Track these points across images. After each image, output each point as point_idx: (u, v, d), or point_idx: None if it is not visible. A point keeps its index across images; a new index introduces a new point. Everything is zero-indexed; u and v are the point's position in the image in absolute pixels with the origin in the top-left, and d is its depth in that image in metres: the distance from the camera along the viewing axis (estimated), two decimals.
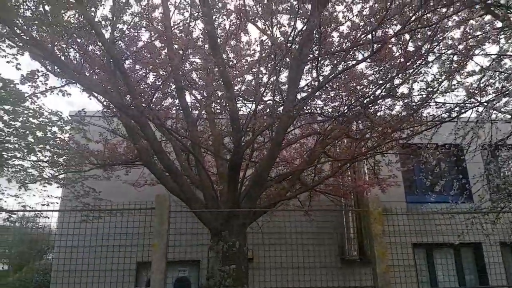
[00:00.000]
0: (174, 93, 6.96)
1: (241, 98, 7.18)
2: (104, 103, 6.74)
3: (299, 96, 6.93)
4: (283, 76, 7.31)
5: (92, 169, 7.44)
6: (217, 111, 7.20)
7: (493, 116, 7.97)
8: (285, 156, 7.72)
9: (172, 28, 6.73)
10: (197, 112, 7.30)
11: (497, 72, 7.57)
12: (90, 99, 6.48)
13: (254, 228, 7.65)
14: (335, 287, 8.28)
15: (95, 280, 7.44)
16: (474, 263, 9.90)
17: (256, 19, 6.55)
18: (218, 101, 6.87)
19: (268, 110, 6.95)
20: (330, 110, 7.44)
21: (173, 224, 6.23)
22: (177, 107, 7.19)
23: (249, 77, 7.19)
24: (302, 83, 7.09)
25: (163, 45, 6.77)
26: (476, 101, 7.75)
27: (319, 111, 7.41)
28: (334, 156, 7.47)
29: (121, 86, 6.37)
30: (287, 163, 7.65)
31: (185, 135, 7.10)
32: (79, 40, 6.17)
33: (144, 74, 6.90)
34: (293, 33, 6.28)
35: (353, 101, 7.20)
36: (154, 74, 6.77)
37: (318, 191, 8.07)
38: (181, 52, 6.49)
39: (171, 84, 6.89)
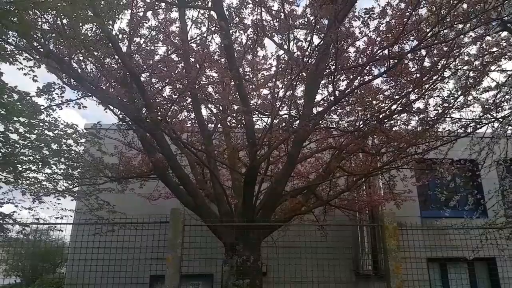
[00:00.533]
0: (190, 106, 6.77)
1: (257, 112, 6.97)
2: (120, 116, 6.55)
3: (315, 111, 6.73)
4: (299, 90, 7.13)
5: (107, 182, 7.24)
6: (233, 124, 6.99)
7: (509, 131, 7.75)
8: (301, 171, 7.48)
9: (189, 42, 6.57)
10: (212, 125, 7.09)
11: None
12: (106, 112, 6.32)
13: (268, 242, 7.40)
14: None
15: None
16: (488, 278, 9.58)
17: (273, 33, 6.38)
18: (234, 114, 6.66)
19: (284, 124, 6.74)
20: (345, 124, 7.22)
21: (187, 237, 6.03)
22: (193, 121, 6.99)
23: (265, 91, 7.00)
24: (318, 97, 6.91)
25: (179, 58, 6.61)
26: (491, 117, 7.54)
27: (335, 126, 7.18)
28: (349, 171, 7.23)
29: (137, 99, 6.19)
30: (303, 177, 7.41)
31: (200, 149, 6.89)
32: (96, 53, 5.99)
33: (160, 87, 6.71)
34: (309, 48, 6.10)
35: (368, 116, 6.99)
36: (171, 87, 6.60)
37: (333, 205, 7.83)
38: (197, 65, 6.31)
39: (187, 97, 6.70)
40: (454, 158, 7.94)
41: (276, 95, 6.65)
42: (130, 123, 6.51)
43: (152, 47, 6.47)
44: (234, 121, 6.89)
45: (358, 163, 7.81)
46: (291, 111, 6.88)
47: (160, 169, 6.46)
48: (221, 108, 7.12)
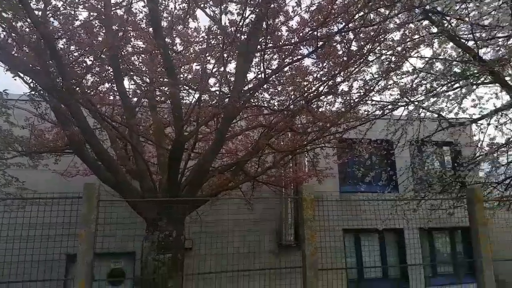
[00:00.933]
0: (111, 77, 6.14)
1: (186, 87, 6.56)
2: (31, 84, 5.75)
3: (246, 88, 6.50)
4: (232, 67, 6.81)
5: (16, 156, 6.42)
6: (160, 98, 6.51)
7: (422, 114, 8.17)
8: (231, 148, 7.28)
9: (113, 8, 5.87)
10: (138, 99, 6.55)
11: (429, 74, 7.72)
12: (15, 79, 5.48)
13: (192, 216, 7.17)
14: (266, 268, 8.00)
15: (21, 272, 6.51)
16: (396, 246, 10.35)
17: (206, 5, 5.92)
18: (161, 87, 6.18)
19: (214, 100, 6.44)
20: (276, 103, 7.09)
21: (103, 213, 5.57)
22: (115, 93, 6.40)
23: (196, 66, 6.55)
24: (251, 76, 6.67)
25: (101, 25, 5.90)
26: (408, 100, 7.87)
27: (265, 104, 7.03)
28: (277, 148, 7.18)
29: (52, 67, 5.45)
30: (232, 154, 7.22)
31: (122, 122, 6.35)
32: (5, 15, 5.11)
33: (79, 55, 5.98)
34: (242, 22, 5.78)
35: (298, 96, 6.92)
36: (89, 55, 5.91)
37: (261, 181, 7.80)
38: (121, 33, 5.68)
39: (108, 67, 6.08)
40: (372, 138, 8.27)
41: (207, 70, 6.29)
42: (42, 92, 5.75)
43: (72, 12, 5.68)
44: (161, 94, 6.41)
45: (287, 141, 7.81)
46: (222, 87, 6.60)
47: (76, 143, 5.84)
48: (147, 80, 6.58)
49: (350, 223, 9.38)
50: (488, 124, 8.35)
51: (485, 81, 7.85)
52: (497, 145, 7.84)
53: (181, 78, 6.44)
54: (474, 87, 7.98)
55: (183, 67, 6.51)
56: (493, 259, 9.67)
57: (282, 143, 7.89)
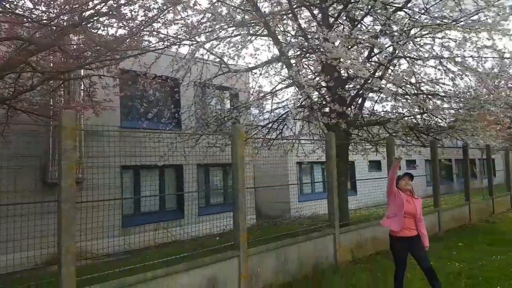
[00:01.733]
0: None
1: None
2: None
3: None
4: None
5: None
6: None
7: (206, 57, 8.02)
8: None
9: None
10: None
11: (212, 16, 7.52)
12: None
13: None
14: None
15: None
16: (175, 181, 10.36)
17: None
18: None
19: None
20: (42, 15, 5.56)
21: None
22: None
23: None
24: None
25: None
26: (192, 39, 7.54)
27: (26, 14, 5.41)
28: (38, 69, 5.71)
29: None
30: None
31: None
32: None
33: None
34: None
35: (70, 10, 5.57)
36: None
37: (19, 109, 6.11)
38: None
39: None
40: (157, 74, 7.64)
41: None
42: None
43: None
44: None
45: (56, 63, 6.33)
46: None
47: None
48: None
49: (130, 159, 8.73)
50: (260, 74, 8.95)
51: (262, 33, 8.23)
52: (264, 93, 8.49)
53: None
54: (253, 38, 8.31)
55: None
56: (253, 187, 10.91)
57: (51, 64, 6.40)
